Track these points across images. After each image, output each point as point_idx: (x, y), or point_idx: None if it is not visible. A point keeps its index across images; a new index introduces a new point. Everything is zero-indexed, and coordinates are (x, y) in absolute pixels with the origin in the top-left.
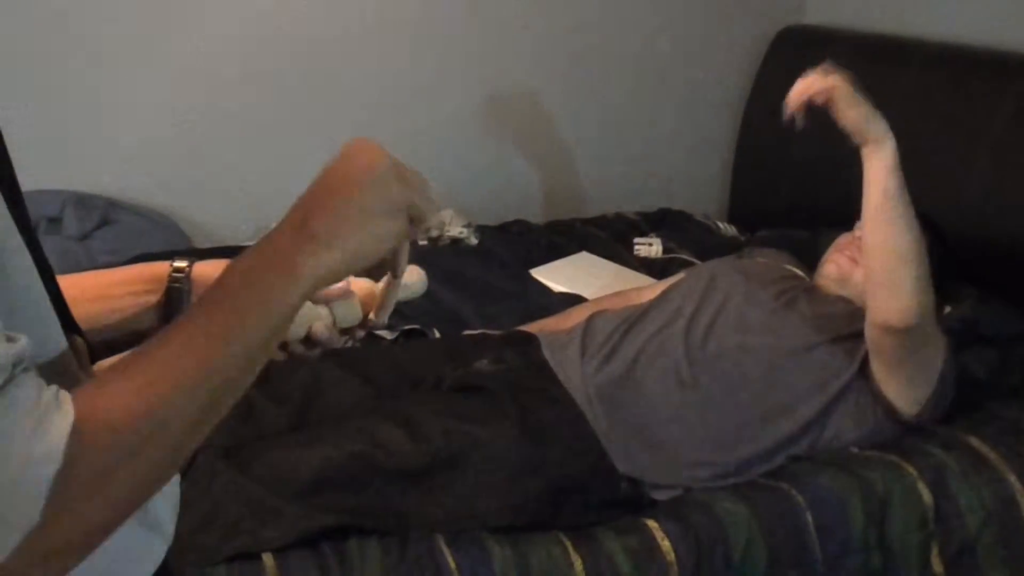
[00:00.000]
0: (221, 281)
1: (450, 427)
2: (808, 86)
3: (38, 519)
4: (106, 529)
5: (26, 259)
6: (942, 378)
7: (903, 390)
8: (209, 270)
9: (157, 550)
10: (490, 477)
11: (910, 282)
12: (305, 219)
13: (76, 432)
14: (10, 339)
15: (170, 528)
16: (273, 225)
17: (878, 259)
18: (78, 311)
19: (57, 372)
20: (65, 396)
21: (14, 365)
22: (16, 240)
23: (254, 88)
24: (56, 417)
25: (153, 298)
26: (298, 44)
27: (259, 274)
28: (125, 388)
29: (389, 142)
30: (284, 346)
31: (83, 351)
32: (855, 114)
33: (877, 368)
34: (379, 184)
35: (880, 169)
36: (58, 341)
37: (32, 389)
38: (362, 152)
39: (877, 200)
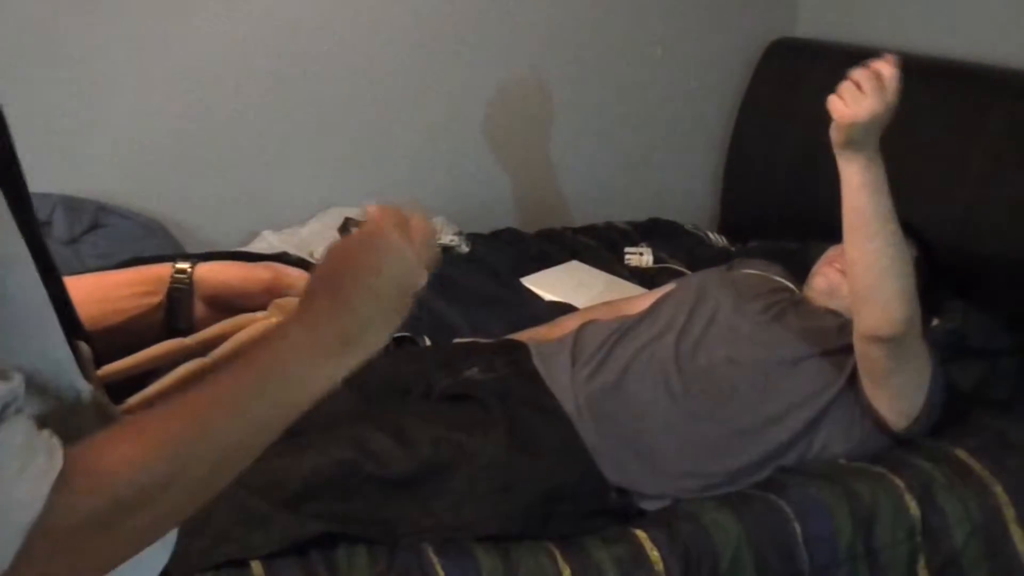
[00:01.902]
0: (247, 357)
1: (439, 435)
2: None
3: (6, 566)
4: None
5: (29, 272)
6: (931, 390)
7: (892, 403)
8: (210, 272)
9: (159, 558)
10: (479, 486)
11: (895, 293)
12: (337, 317)
13: (62, 483)
14: (3, 377)
15: (172, 534)
16: (262, 232)
17: (861, 273)
18: (80, 312)
19: (57, 388)
20: (56, 444)
21: (5, 406)
22: (17, 250)
23: (245, 93)
24: (43, 464)
25: (155, 299)
26: (291, 50)
27: (283, 364)
28: (125, 447)
29: (382, 149)
30: None
31: (88, 357)
32: (882, 110)
33: (866, 382)
34: (405, 279)
35: (865, 184)
36: (60, 357)
37: (21, 433)
38: (387, 243)
39: (857, 216)
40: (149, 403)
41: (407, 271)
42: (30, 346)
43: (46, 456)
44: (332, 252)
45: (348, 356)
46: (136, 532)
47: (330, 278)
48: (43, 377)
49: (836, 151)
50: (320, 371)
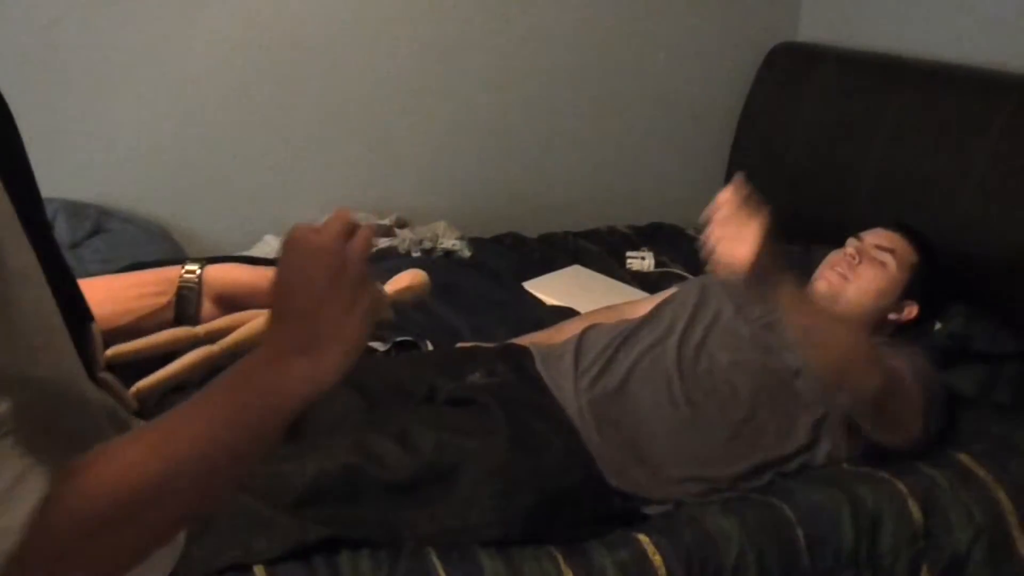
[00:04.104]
0: (226, 376)
1: (443, 440)
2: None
3: None
4: None
5: (39, 284)
6: (927, 413)
7: (889, 436)
8: (219, 273)
9: (166, 562)
10: (482, 490)
11: (860, 369)
12: (291, 327)
13: (47, 509)
14: None
15: (181, 537)
16: (264, 236)
17: (824, 365)
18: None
19: (68, 397)
20: (41, 470)
21: None
22: (27, 262)
23: (247, 97)
24: (26, 491)
25: (164, 299)
26: (291, 54)
27: (252, 375)
28: (114, 465)
29: (384, 154)
30: None
31: (97, 338)
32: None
33: (861, 423)
34: (339, 276)
35: (797, 292)
36: (71, 365)
37: (7, 459)
38: (306, 253)
39: (799, 333)
40: (158, 385)
41: (343, 279)
42: (41, 357)
43: (32, 482)
44: (283, 270)
45: (314, 357)
46: (126, 546)
47: (283, 296)
48: (55, 387)
49: (759, 292)
50: (288, 375)
